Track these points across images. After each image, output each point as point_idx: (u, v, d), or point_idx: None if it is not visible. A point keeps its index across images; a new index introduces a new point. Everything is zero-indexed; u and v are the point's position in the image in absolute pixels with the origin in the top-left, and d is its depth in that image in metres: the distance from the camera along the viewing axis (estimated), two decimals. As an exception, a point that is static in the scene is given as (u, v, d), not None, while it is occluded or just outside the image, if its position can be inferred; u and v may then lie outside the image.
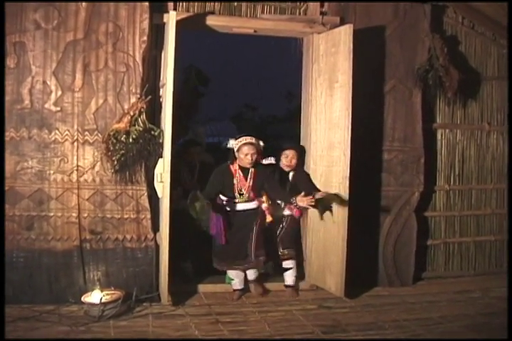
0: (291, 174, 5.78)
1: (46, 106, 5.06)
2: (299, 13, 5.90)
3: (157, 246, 5.30)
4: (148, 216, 5.29)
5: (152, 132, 5.10)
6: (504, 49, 6.58)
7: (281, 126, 13.21)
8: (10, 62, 4.98)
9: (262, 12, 5.81)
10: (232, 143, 5.38)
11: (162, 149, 5.10)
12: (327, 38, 5.67)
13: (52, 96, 5.06)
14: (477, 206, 6.66)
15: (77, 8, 5.06)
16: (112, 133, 5.02)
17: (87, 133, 5.12)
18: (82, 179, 5.12)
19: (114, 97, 5.14)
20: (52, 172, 5.08)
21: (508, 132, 6.37)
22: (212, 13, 5.60)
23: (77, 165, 5.11)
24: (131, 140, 5.00)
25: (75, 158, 5.11)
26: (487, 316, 5.14)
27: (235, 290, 5.58)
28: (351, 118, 5.36)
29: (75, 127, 5.10)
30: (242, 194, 5.41)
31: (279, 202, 5.69)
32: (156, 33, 5.37)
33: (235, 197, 5.40)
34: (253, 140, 5.35)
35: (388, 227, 6.02)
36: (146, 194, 5.27)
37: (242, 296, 5.57)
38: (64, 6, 5.03)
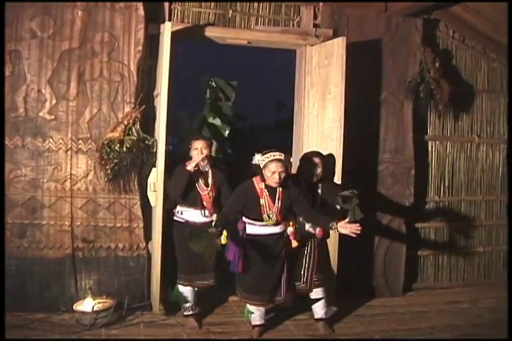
0: (319, 186, 5.05)
1: (40, 114, 5.07)
2: (293, 25, 5.96)
3: (149, 255, 5.31)
4: (141, 225, 5.31)
5: (146, 141, 5.14)
6: (494, 62, 6.68)
7: (271, 136, 13.27)
8: (5, 70, 4.99)
9: (256, 24, 5.87)
10: (259, 159, 4.79)
11: (155, 159, 5.13)
12: (320, 50, 5.74)
13: (47, 105, 5.08)
14: (466, 218, 6.71)
15: (72, 18, 5.10)
16: (105, 142, 5.05)
17: (80, 141, 5.14)
18: (75, 187, 5.14)
19: (109, 106, 5.16)
20: (45, 180, 5.09)
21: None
22: (207, 24, 5.64)
23: (71, 174, 5.13)
24: (125, 149, 5.03)
25: (69, 166, 5.13)
26: (476, 327, 5.19)
27: (254, 327, 4.84)
28: (343, 129, 5.41)
29: (69, 136, 5.12)
30: (271, 217, 4.65)
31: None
32: (151, 43, 5.39)
33: (261, 220, 4.67)
34: (282, 156, 4.62)
35: (379, 238, 6.06)
36: (138, 203, 5.29)
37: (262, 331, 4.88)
38: (60, 14, 5.07)
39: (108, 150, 5.03)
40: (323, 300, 4.93)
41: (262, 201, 4.63)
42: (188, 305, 5.01)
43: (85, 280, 5.19)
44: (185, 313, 5.01)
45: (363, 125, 5.94)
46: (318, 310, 4.95)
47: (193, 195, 4.95)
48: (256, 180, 4.69)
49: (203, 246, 4.32)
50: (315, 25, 5.90)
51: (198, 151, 4.90)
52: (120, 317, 4.97)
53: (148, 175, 5.18)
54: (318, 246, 4.96)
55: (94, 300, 4.96)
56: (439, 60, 6.16)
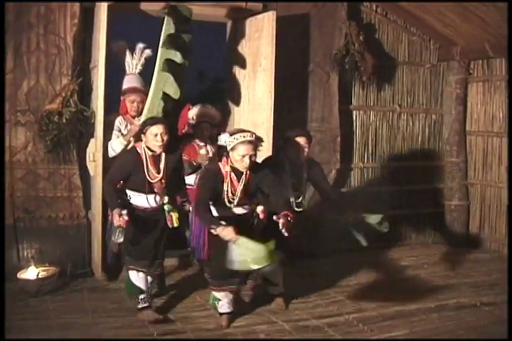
0: (304, 167, 4.87)
1: (-23, 87, 5.09)
2: (224, -1, 6.12)
3: (89, 224, 5.47)
4: (80, 194, 5.47)
5: (84, 113, 5.25)
6: (414, 36, 7.06)
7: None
8: None
9: (189, -3, 5.99)
10: (225, 140, 4.23)
11: (94, 129, 5.25)
12: (250, 24, 5.94)
13: (-17, 78, 5.10)
14: (388, 183, 7.11)
15: (8, -9, 5.10)
16: (44, 114, 5.15)
17: (19, 114, 5.21)
18: (14, 159, 5.22)
19: (46, 79, 5.24)
20: (-16, 152, 5.14)
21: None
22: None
23: (10, 146, 5.20)
24: (64, 120, 5.14)
25: (7, 138, 5.19)
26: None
27: (222, 314, 4.51)
28: (273, 100, 5.68)
29: (7, 108, 5.17)
30: (232, 201, 4.33)
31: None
32: (86, 15, 5.43)
33: (223, 204, 4.34)
34: (253, 137, 4.22)
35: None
36: (78, 173, 5.44)
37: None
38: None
39: (47, 121, 5.13)
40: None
41: (224, 185, 4.29)
42: (142, 296, 4.55)
43: (27, 250, 5.30)
44: (139, 306, 4.53)
45: (292, 95, 6.24)
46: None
47: (143, 183, 4.40)
48: (221, 162, 4.33)
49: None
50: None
51: (158, 138, 4.31)
52: (64, 283, 5.13)
53: (87, 146, 5.31)
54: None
55: (37, 268, 5.07)
56: (363, 33, 6.47)
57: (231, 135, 4.20)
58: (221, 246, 4.10)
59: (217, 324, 4.46)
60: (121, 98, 5.31)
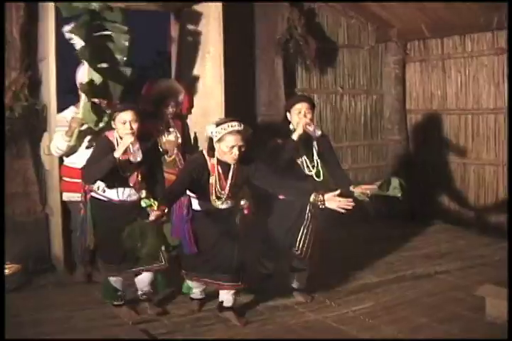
0: (314, 141, 4.48)
1: None
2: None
3: (47, 218, 5.41)
4: (36, 189, 5.38)
5: (36, 106, 5.17)
6: (352, 19, 7.25)
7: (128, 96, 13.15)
8: None
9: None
10: (212, 131, 3.90)
11: (46, 123, 5.18)
12: (198, 12, 5.95)
13: None
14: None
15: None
16: (-6, 109, 5.04)
17: (-32, 109, 5.08)
18: (-36, 156, 5.10)
19: (-6, 72, 5.13)
20: None
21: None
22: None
23: (-40, 143, 5.08)
24: (16, 115, 5.04)
25: (-44, 135, 5.06)
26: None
27: (193, 299, 4.53)
28: (223, 86, 5.75)
29: (-46, 104, 5.04)
30: (220, 198, 4.07)
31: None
32: (31, 7, 5.29)
33: (208, 201, 4.07)
34: (241, 127, 3.89)
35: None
36: (32, 168, 5.34)
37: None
38: None
39: (-3, 117, 5.03)
40: (305, 271, 4.69)
41: (211, 179, 4.00)
42: (118, 293, 4.42)
43: (-15, 248, 5.21)
44: (115, 303, 4.43)
45: (240, 81, 6.31)
46: (300, 279, 4.72)
47: (118, 177, 4.10)
48: (208, 154, 4.02)
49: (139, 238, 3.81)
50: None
51: (127, 126, 3.99)
52: (27, 280, 5.04)
53: (40, 140, 5.23)
54: (314, 218, 4.47)
55: (-2, 266, 5.00)
56: (305, 18, 6.62)
57: (217, 125, 3.89)
58: (204, 238, 4.06)
59: (195, 308, 4.45)
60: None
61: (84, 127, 4.65)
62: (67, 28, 4.49)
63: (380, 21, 7.20)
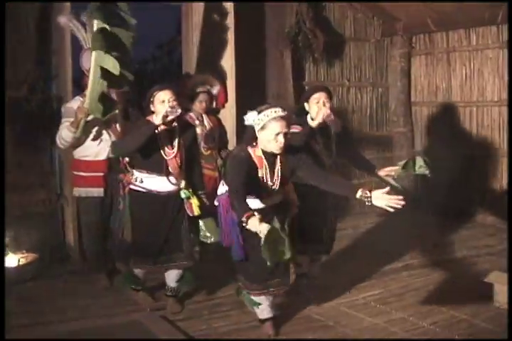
0: (331, 131, 4.26)
1: None
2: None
3: (62, 208, 5.50)
4: (52, 179, 5.49)
5: (52, 98, 5.26)
6: (359, 13, 7.35)
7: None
8: None
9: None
10: (254, 119, 3.54)
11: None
12: (209, 5, 6.03)
13: None
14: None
15: None
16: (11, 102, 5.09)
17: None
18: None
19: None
20: None
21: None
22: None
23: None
24: (33, 106, 5.13)
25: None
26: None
27: (263, 321, 3.96)
28: (235, 79, 5.87)
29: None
30: (272, 191, 3.70)
31: None
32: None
33: (260, 197, 3.67)
34: (285, 112, 3.54)
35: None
36: (48, 159, 5.47)
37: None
38: None
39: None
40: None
41: (260, 172, 3.63)
42: (138, 279, 4.49)
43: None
44: (133, 287, 4.53)
45: (252, 74, 6.40)
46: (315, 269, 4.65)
47: (157, 160, 4.05)
48: (250, 146, 3.64)
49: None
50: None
51: (166, 105, 3.94)
52: (43, 269, 5.11)
53: (56, 131, 5.25)
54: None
55: (15, 255, 5.06)
56: (312, 11, 6.71)
57: (259, 112, 3.52)
58: (257, 244, 3.28)
59: (263, 333, 3.95)
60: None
61: (91, 118, 4.56)
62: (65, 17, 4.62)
63: (386, 15, 7.30)
